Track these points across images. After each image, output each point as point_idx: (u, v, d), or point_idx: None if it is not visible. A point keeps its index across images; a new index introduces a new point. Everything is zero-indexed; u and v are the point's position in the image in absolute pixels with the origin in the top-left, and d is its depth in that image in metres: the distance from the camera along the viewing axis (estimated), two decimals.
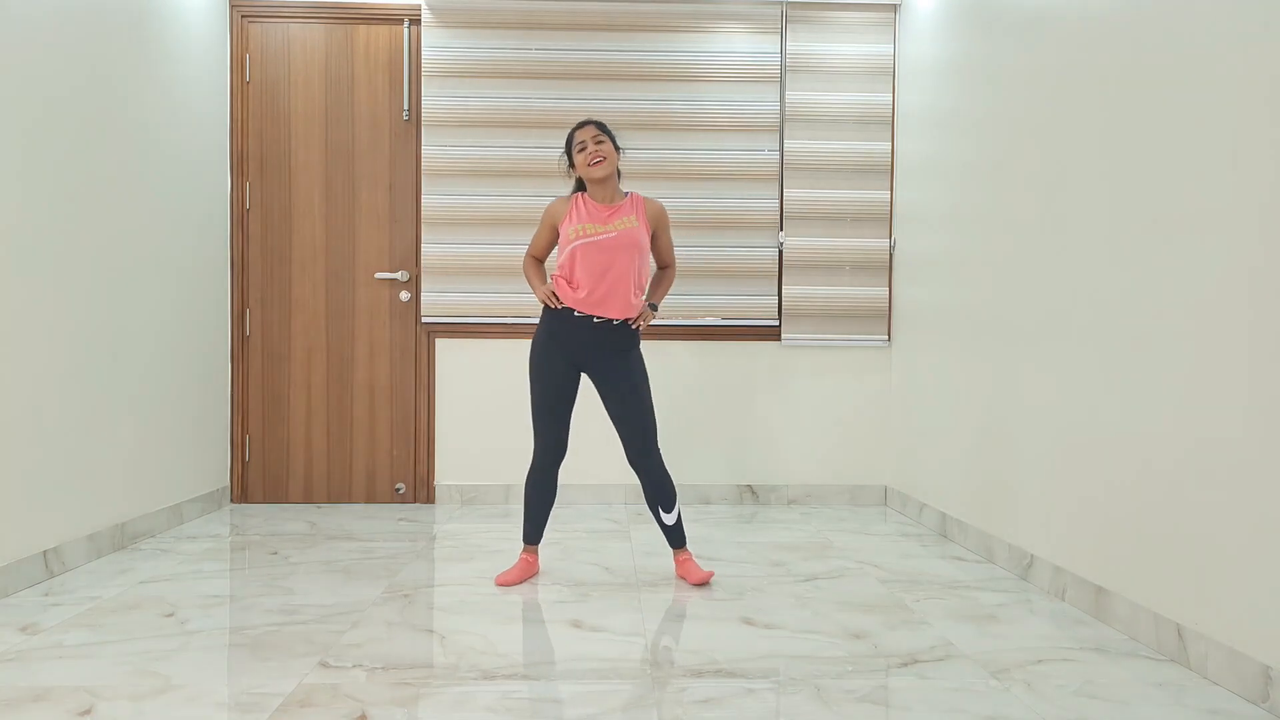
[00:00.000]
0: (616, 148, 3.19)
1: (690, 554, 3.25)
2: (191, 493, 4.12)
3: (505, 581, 3.13)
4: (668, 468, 3.26)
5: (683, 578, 3.19)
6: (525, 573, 3.18)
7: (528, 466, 3.24)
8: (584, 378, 3.22)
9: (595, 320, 3.10)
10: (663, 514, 3.19)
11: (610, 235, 3.10)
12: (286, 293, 4.51)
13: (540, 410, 3.17)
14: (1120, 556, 2.69)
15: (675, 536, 3.23)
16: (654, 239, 3.26)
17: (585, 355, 3.14)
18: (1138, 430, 2.61)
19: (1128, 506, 2.65)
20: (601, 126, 3.18)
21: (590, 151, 3.12)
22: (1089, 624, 2.75)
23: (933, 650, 2.51)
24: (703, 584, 3.13)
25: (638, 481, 4.39)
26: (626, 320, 3.14)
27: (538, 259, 3.32)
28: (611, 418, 3.18)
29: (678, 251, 4.48)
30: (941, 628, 2.70)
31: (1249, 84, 2.21)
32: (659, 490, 3.18)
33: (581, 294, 3.09)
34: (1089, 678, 2.32)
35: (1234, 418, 2.24)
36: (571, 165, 3.20)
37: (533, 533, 3.23)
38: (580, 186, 3.23)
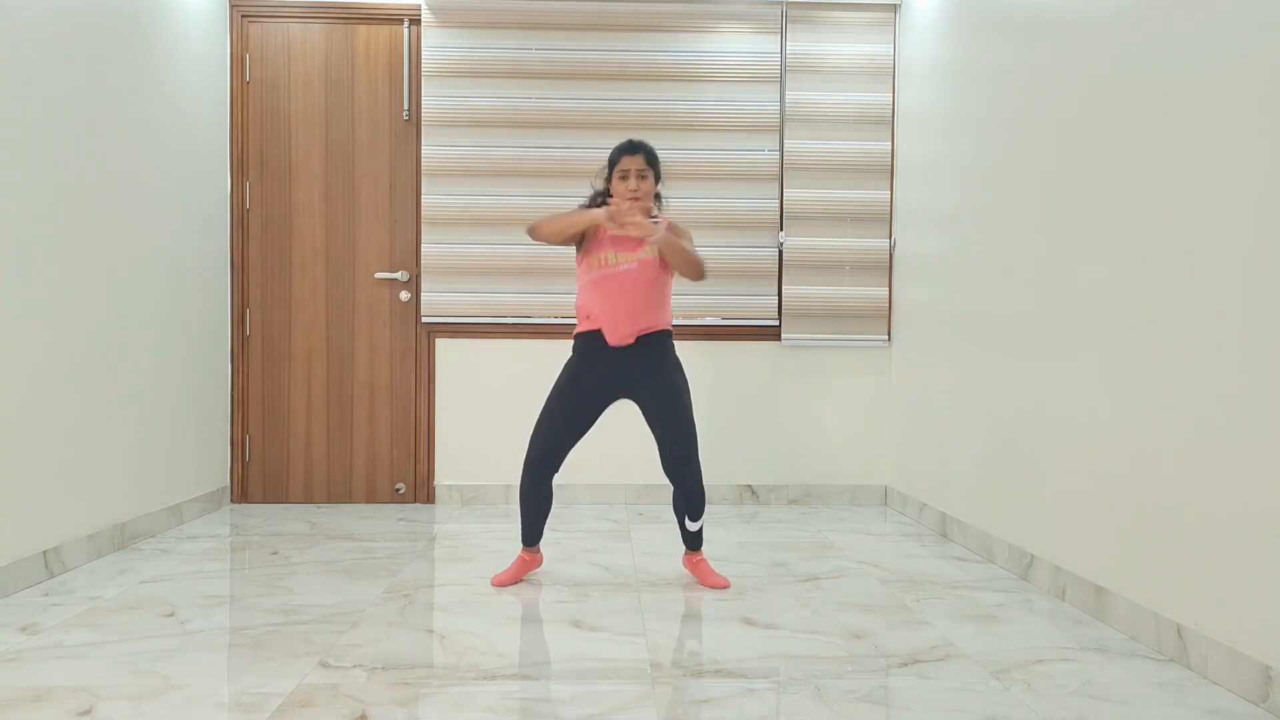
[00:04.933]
0: (658, 177, 3.13)
1: (704, 557, 3.23)
2: (191, 493, 4.12)
3: (500, 582, 3.12)
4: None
5: (694, 575, 3.17)
6: (522, 570, 3.17)
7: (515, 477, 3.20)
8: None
9: (615, 351, 3.05)
10: (688, 522, 3.15)
11: (630, 267, 3.03)
12: (286, 293, 4.51)
13: (550, 421, 3.09)
14: (1120, 556, 2.69)
15: (694, 541, 3.19)
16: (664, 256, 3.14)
17: (623, 380, 3.09)
18: (1138, 430, 2.61)
19: (1128, 506, 2.65)
20: (650, 158, 3.10)
21: (631, 188, 3.05)
22: (1089, 624, 2.75)
23: (933, 650, 2.51)
24: (720, 589, 3.09)
25: (639, 482, 4.43)
26: (654, 333, 3.07)
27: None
28: (651, 426, 3.12)
29: None
30: (941, 628, 2.70)
31: (1249, 83, 2.21)
32: (691, 499, 3.13)
33: (607, 325, 3.04)
34: (1089, 678, 2.32)
35: (1234, 417, 2.24)
36: (608, 181, 3.12)
37: (527, 536, 3.20)
38: (605, 201, 3.12)
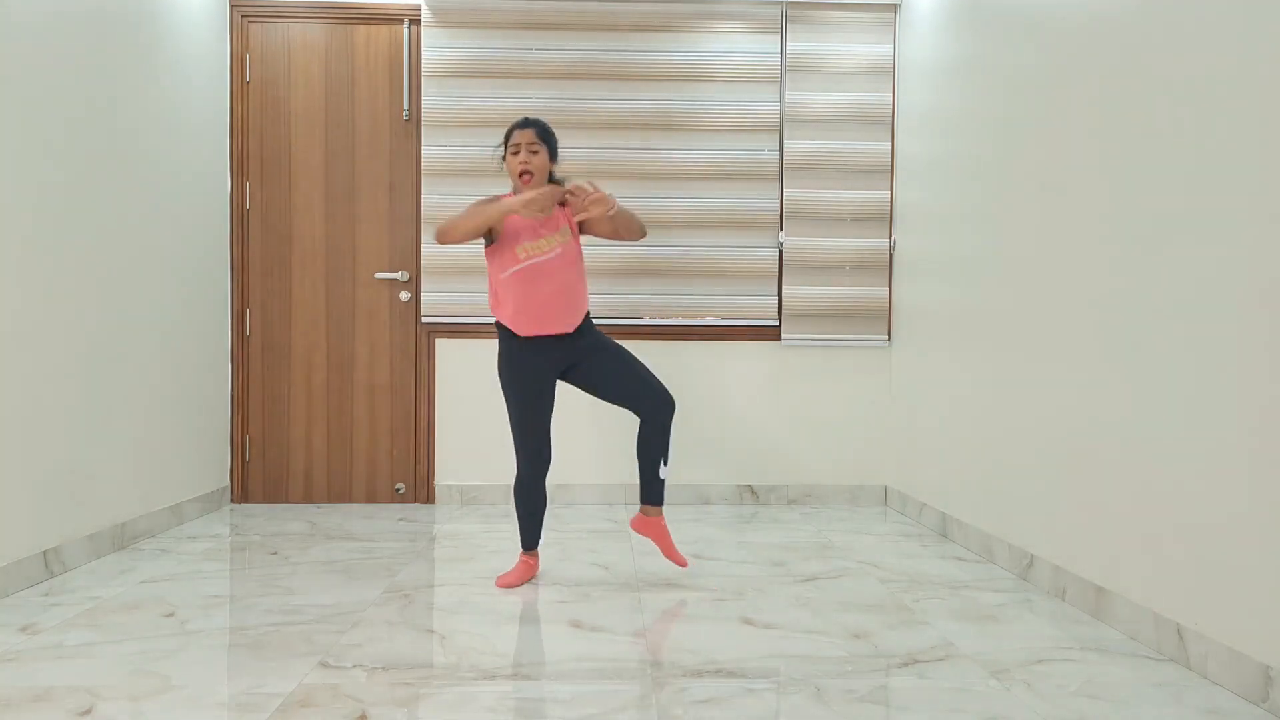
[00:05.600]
0: (554, 154, 3.11)
1: (664, 518, 3.22)
2: (191, 493, 4.12)
3: (507, 584, 3.12)
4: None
5: (656, 543, 3.18)
6: (526, 574, 3.18)
7: (513, 478, 3.21)
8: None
9: (556, 336, 3.07)
10: (663, 467, 3.15)
11: (553, 255, 3.02)
12: (286, 293, 4.51)
13: (521, 424, 3.11)
14: (1120, 556, 2.69)
15: (660, 493, 3.17)
16: (592, 224, 3.09)
17: (559, 363, 3.11)
18: (1138, 430, 2.61)
19: (1128, 506, 2.66)
20: (542, 132, 3.08)
21: (522, 160, 3.04)
22: (1089, 624, 2.75)
23: (933, 650, 2.51)
24: (678, 565, 3.16)
25: (637, 481, 4.41)
26: (580, 326, 3.11)
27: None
28: (617, 398, 3.14)
29: (677, 250, 4.53)
30: (941, 628, 2.70)
31: (1249, 83, 2.21)
32: (666, 443, 3.14)
33: (543, 317, 3.03)
34: (1089, 678, 2.32)
35: (1234, 417, 2.24)
36: (504, 159, 3.12)
37: (530, 540, 3.22)
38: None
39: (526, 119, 3.13)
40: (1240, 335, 2.22)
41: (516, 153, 3.06)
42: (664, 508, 3.26)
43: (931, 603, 2.96)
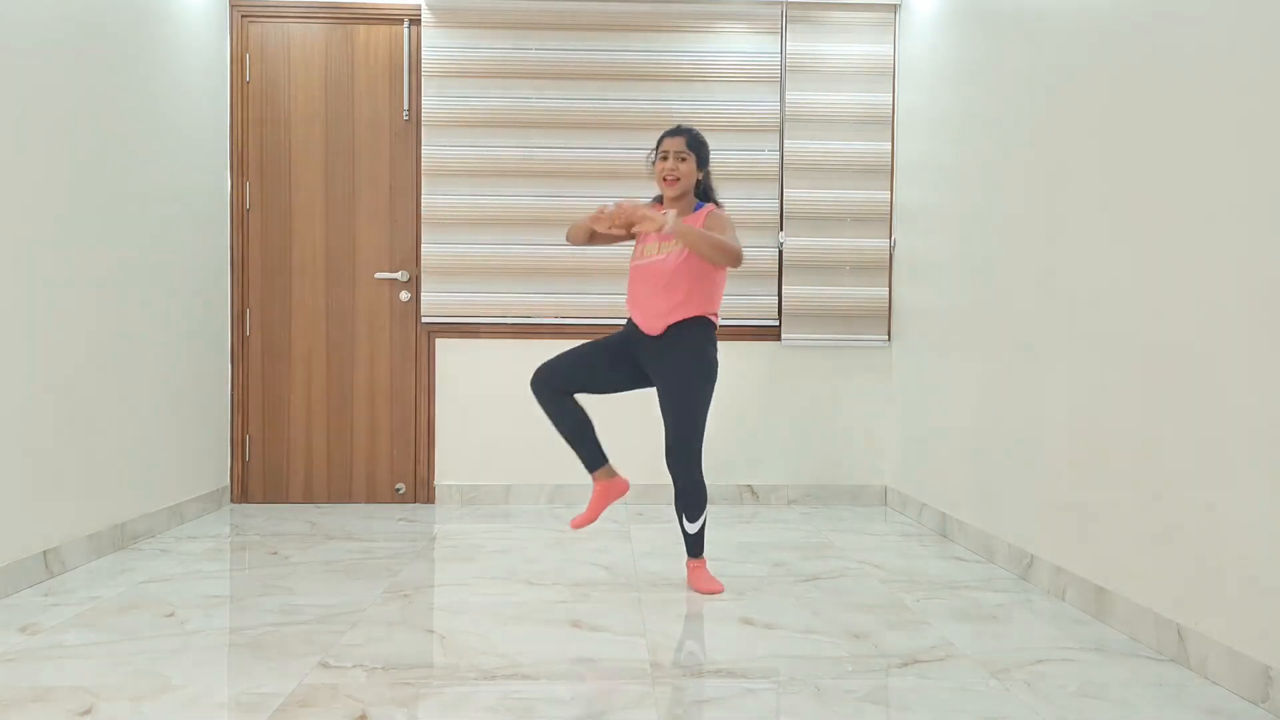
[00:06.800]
0: (702, 162, 3.16)
1: (704, 562, 3.17)
2: (191, 493, 4.12)
3: (579, 523, 3.18)
4: (704, 478, 3.13)
5: (691, 585, 3.12)
6: (600, 502, 3.18)
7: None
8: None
9: (648, 333, 3.12)
10: (685, 522, 3.13)
11: (658, 259, 3.09)
12: (286, 292, 4.51)
13: (580, 349, 3.18)
14: (1120, 556, 2.69)
15: (693, 545, 3.15)
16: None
17: (648, 354, 3.14)
18: (1138, 429, 2.61)
19: (1128, 506, 2.66)
20: (692, 141, 3.13)
21: (669, 167, 3.10)
22: (1089, 624, 2.75)
23: (933, 650, 2.51)
24: (710, 594, 3.06)
25: (639, 482, 4.39)
26: (684, 320, 3.08)
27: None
28: (662, 412, 3.15)
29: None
30: (941, 628, 2.70)
31: (1249, 82, 2.21)
32: (685, 496, 3.11)
33: (638, 315, 3.15)
34: (1089, 678, 2.32)
35: (1234, 417, 2.24)
36: (653, 164, 3.17)
37: (590, 459, 3.20)
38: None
39: (678, 126, 3.20)
40: (1241, 335, 2.22)
41: (665, 159, 3.11)
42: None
43: (931, 603, 2.96)
